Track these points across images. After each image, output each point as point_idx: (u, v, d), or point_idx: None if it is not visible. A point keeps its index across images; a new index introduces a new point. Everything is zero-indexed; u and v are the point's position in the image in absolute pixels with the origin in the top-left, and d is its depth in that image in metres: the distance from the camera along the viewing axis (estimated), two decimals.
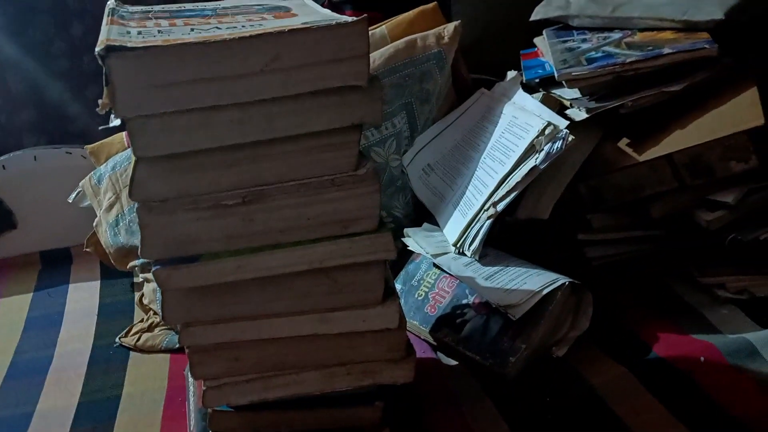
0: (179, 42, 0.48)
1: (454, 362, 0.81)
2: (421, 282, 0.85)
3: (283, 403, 0.61)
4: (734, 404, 0.66)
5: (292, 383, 0.59)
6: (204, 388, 0.59)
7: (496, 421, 0.71)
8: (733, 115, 0.79)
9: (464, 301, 0.81)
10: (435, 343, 0.82)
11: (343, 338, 0.59)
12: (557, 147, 0.79)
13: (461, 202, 0.89)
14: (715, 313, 0.80)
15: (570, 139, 0.79)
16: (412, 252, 0.90)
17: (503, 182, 0.82)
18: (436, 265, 0.86)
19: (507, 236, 0.86)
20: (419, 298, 0.84)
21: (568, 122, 0.80)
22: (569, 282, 0.76)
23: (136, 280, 0.99)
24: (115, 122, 0.52)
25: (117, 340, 0.88)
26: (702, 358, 0.72)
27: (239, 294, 0.56)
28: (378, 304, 0.58)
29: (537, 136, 0.80)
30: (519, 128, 0.85)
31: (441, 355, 0.82)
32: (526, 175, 0.80)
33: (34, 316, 0.95)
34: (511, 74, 0.97)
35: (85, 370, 0.83)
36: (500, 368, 0.75)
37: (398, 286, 0.85)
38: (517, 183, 0.80)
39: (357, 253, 0.55)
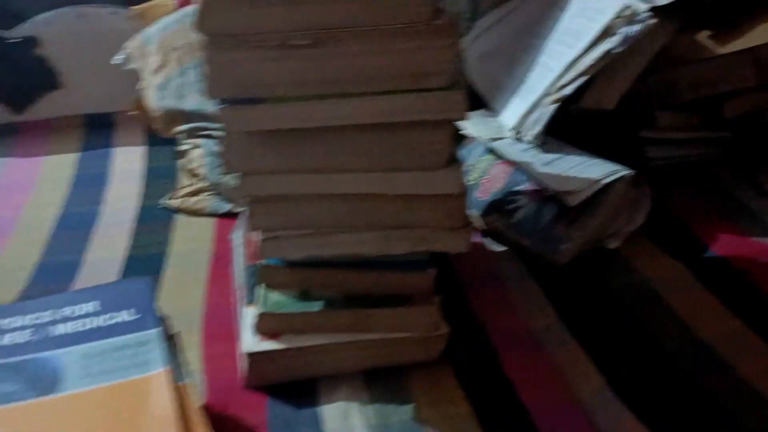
0: None
1: (500, 248, 0.80)
2: (474, 167, 0.83)
3: (335, 263, 0.60)
4: None
5: (349, 243, 0.58)
6: (260, 239, 0.58)
7: (542, 306, 0.70)
8: None
9: (518, 188, 0.79)
10: (482, 228, 0.81)
11: (403, 201, 0.57)
12: (635, 30, 0.74)
13: (522, 88, 0.85)
14: None
15: (651, 22, 0.74)
16: (464, 137, 0.87)
17: (571, 66, 0.78)
18: (490, 150, 0.84)
19: (568, 126, 0.83)
20: (470, 183, 0.82)
21: (649, 4, 0.75)
22: (630, 174, 0.74)
23: (180, 148, 0.98)
24: None
25: (163, 201, 0.88)
26: None
27: (301, 145, 0.54)
28: (442, 167, 0.56)
29: (614, 18, 0.76)
30: (593, 11, 0.80)
31: (488, 241, 0.81)
32: (599, 59, 0.76)
33: (81, 175, 0.96)
34: None
35: (132, 227, 0.83)
36: (551, 254, 0.74)
37: None
38: (588, 67, 0.76)
39: (427, 109, 0.53)
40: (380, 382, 0.61)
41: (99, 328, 0.49)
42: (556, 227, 0.74)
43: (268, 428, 0.56)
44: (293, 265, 0.61)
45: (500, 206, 0.79)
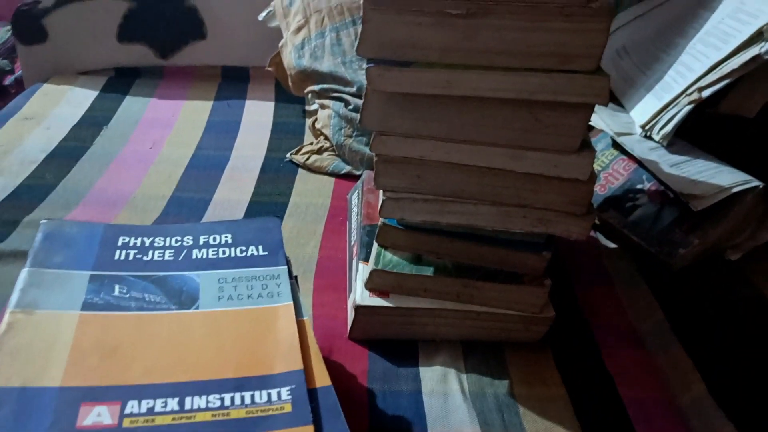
0: None
1: (612, 245, 0.79)
2: (596, 160, 0.82)
3: (451, 232, 0.62)
4: None
5: (468, 213, 0.60)
6: (383, 198, 0.60)
7: (650, 306, 0.69)
8: None
9: (638, 186, 0.77)
10: (597, 223, 0.80)
11: (529, 180, 0.58)
12: None
13: (656, 86, 0.83)
14: None
15: None
16: (591, 127, 0.86)
17: (715, 68, 0.75)
18: (615, 146, 0.82)
19: (700, 130, 0.80)
20: None
21: None
22: (763, 187, 0.71)
23: (308, 107, 1.02)
24: None
25: (288, 155, 0.92)
26: None
27: (439, 112, 0.56)
28: (574, 152, 0.56)
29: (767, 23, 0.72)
30: (746, 14, 0.77)
31: (600, 236, 0.80)
32: (746, 63, 0.73)
33: (214, 121, 1.02)
34: None
35: (257, 174, 0.88)
36: (666, 257, 0.73)
37: None
38: (733, 70, 0.73)
39: (569, 91, 0.53)
40: (478, 354, 0.62)
41: (233, 258, 0.53)
42: (675, 231, 0.73)
43: (368, 378, 0.59)
44: (410, 228, 0.63)
45: (618, 203, 0.78)
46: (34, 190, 0.82)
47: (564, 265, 0.74)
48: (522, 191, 0.58)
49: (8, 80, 1.45)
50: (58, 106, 1.03)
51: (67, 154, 0.90)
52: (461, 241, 0.62)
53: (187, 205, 0.80)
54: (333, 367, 0.59)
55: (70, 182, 0.84)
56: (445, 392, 0.58)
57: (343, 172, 0.89)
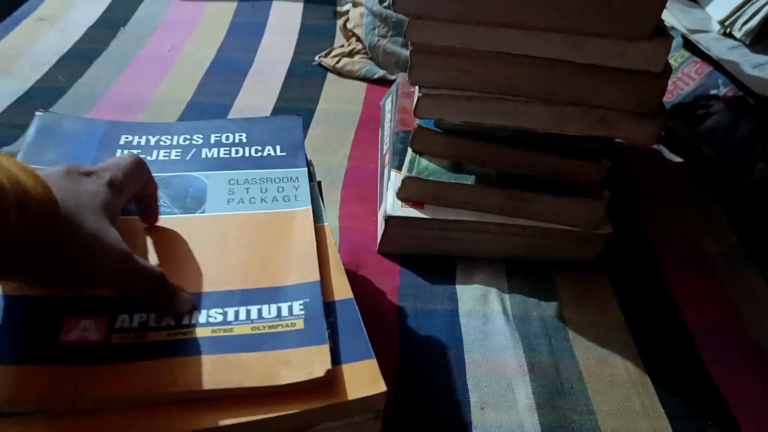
0: None
1: (678, 159, 0.70)
2: None
3: (495, 136, 0.54)
4: None
5: (516, 113, 0.52)
6: (419, 94, 0.52)
7: (721, 227, 0.61)
8: None
9: (713, 92, 0.68)
10: (662, 133, 0.71)
11: (590, 73, 0.49)
12: None
13: None
14: None
15: None
16: None
17: None
18: (686, 46, 0.72)
19: None
20: None
21: None
22: None
23: (339, 8, 0.93)
24: None
25: (316, 58, 0.84)
26: None
27: None
28: (646, 38, 0.47)
29: None
30: None
31: (663, 149, 0.72)
32: None
33: (238, 23, 0.94)
34: None
35: (283, 79, 0.81)
36: (743, 172, 0.64)
37: None
38: None
39: None
40: (523, 273, 0.55)
41: (247, 158, 0.47)
42: (755, 142, 0.63)
43: (398, 295, 0.53)
44: (449, 131, 0.55)
45: (687, 110, 0.69)
46: (45, 92, 0.76)
47: (622, 178, 0.66)
48: (580, 87, 0.50)
49: None
50: (74, 7, 0.96)
51: (81, 56, 0.84)
52: (507, 146, 0.54)
53: (206, 110, 0.74)
54: (359, 283, 0.53)
55: (83, 85, 0.78)
56: (484, 313, 0.51)
57: (376, 76, 0.80)
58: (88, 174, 0.36)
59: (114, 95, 0.76)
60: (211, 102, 0.75)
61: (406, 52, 0.80)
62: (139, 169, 0.39)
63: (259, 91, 0.78)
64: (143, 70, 0.82)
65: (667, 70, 0.49)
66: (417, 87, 0.54)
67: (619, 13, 0.46)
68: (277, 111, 0.74)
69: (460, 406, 0.44)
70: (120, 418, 0.31)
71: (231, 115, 0.73)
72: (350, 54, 0.83)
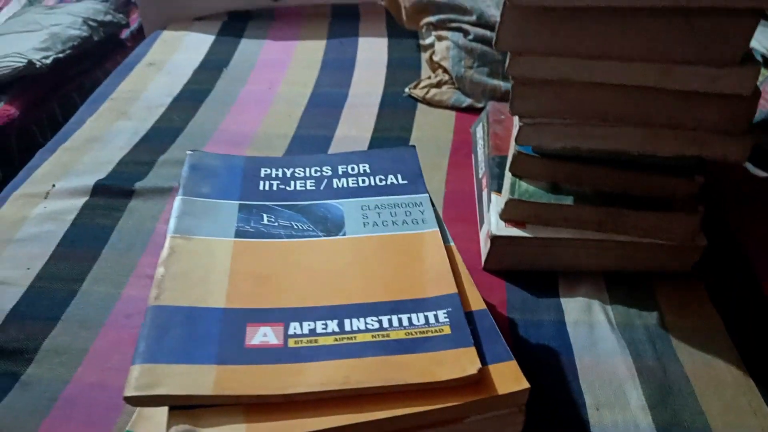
0: None
1: (763, 173, 0.73)
2: None
3: (592, 158, 0.58)
4: None
5: (612, 136, 0.56)
6: (520, 124, 0.58)
7: None
8: None
9: None
10: None
11: (683, 98, 0.53)
12: None
13: None
14: None
15: None
16: None
17: None
18: (766, 62, 0.75)
19: None
20: None
21: None
22: None
23: (422, 41, 0.99)
24: None
25: (406, 90, 0.90)
26: None
27: (582, 27, 0.52)
28: (735, 64, 0.51)
29: None
30: None
31: (748, 164, 0.74)
32: None
33: (329, 59, 1.01)
34: None
35: (377, 110, 0.87)
36: None
37: None
38: None
39: None
40: (623, 285, 0.59)
41: (373, 186, 0.53)
42: None
43: (507, 308, 0.58)
44: (546, 155, 0.60)
45: None
46: (164, 132, 0.84)
47: (711, 193, 0.69)
48: (674, 111, 0.54)
49: (125, 34, 1.51)
50: (177, 52, 1.06)
51: (191, 97, 0.92)
52: (603, 167, 0.59)
53: (309, 142, 0.80)
54: None
55: (196, 124, 0.86)
56: (590, 322, 0.56)
57: (464, 105, 0.86)
58: None
59: (223, 132, 0.84)
60: (313, 134, 0.82)
61: (492, 81, 0.86)
62: None
63: (356, 123, 0.84)
64: (247, 108, 0.89)
65: (757, 92, 0.52)
66: (517, 116, 0.59)
67: (711, 43, 0.50)
68: (374, 141, 0.81)
69: (577, 407, 0.49)
70: (304, 408, 0.36)
71: (333, 145, 0.80)
72: (438, 85, 0.89)
